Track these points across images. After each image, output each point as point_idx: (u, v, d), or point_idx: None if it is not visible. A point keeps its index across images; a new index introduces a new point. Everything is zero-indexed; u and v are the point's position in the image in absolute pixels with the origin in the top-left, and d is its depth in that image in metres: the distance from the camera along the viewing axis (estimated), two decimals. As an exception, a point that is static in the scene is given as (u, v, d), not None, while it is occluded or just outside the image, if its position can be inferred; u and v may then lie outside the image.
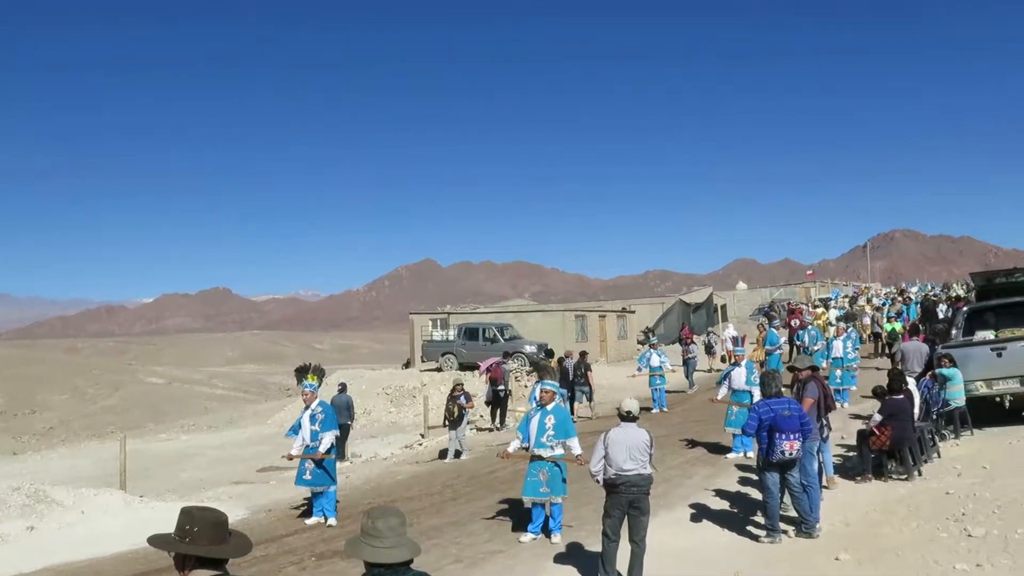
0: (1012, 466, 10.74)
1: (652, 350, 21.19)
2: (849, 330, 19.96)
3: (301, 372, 12.14)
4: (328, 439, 11.36)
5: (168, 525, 3.79)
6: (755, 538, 9.01)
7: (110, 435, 34.84)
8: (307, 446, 11.41)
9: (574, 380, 20.54)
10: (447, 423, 16.92)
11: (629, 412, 7.98)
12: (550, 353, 22.04)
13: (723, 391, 14.17)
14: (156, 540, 3.56)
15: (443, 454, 16.91)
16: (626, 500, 7.62)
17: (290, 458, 11.80)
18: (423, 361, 34.45)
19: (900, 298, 37.78)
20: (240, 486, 15.91)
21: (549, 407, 9.81)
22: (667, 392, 21.03)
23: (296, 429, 11.76)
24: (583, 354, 21.85)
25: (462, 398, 16.79)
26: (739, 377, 14.03)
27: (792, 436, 8.60)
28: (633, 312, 43.61)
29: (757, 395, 13.44)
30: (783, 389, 9.63)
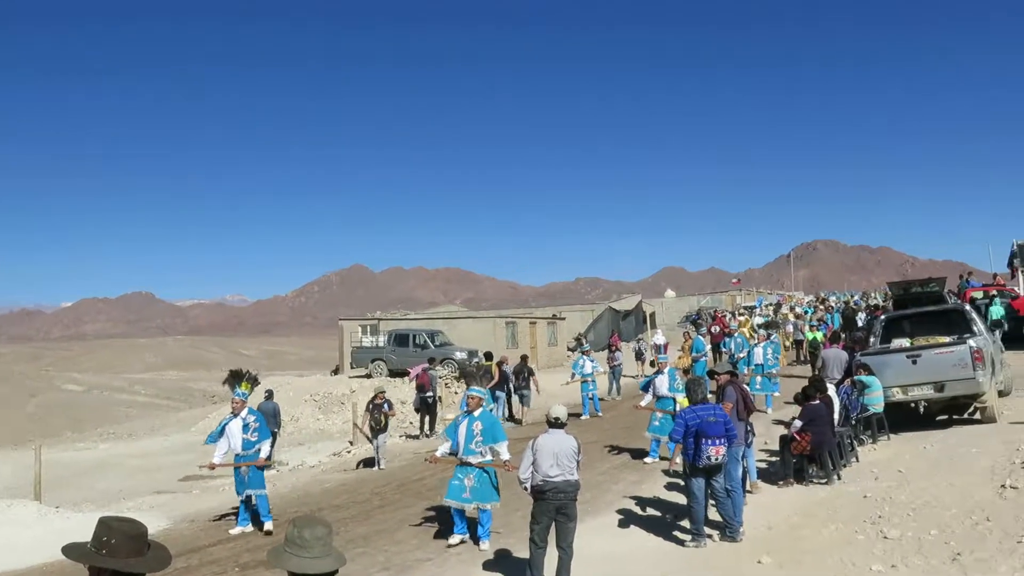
0: (926, 470, 11.11)
1: (585, 357, 21.36)
2: (771, 337, 20.41)
3: (235, 377, 11.82)
4: (267, 447, 11.32)
5: (84, 536, 3.67)
6: (681, 543, 9.14)
7: (26, 444, 33.65)
8: (237, 455, 11.20)
9: (517, 384, 20.99)
10: (369, 432, 16.55)
11: (557, 419, 8.02)
12: (489, 356, 22.16)
13: (647, 398, 14.34)
14: (71, 551, 3.40)
15: (369, 463, 16.67)
16: (553, 506, 7.64)
17: (211, 467, 11.55)
18: (352, 368, 34.16)
19: (822, 307, 38.80)
20: (162, 496, 15.55)
21: (476, 413, 9.81)
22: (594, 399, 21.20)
23: (216, 436, 11.48)
24: (524, 358, 22.50)
25: (385, 406, 16.40)
26: (662, 384, 14.21)
27: (718, 442, 8.75)
28: (564, 319, 43.85)
29: (681, 401, 13.69)
30: (709, 396, 9.80)
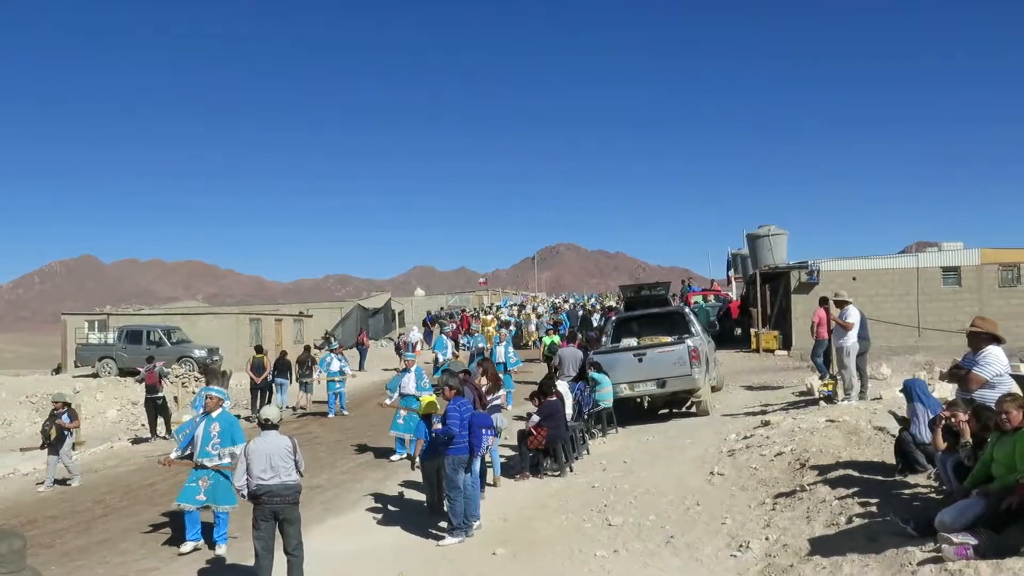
0: (646, 460, 12.01)
1: (333, 355, 21.09)
2: (511, 335, 21.21)
3: None
4: None
5: None
6: (426, 537, 9.28)
7: None
8: None
9: (301, 373, 21.68)
10: (45, 446, 14.44)
11: (268, 420, 7.86)
12: (260, 349, 21.92)
13: (394, 396, 14.39)
14: None
15: (63, 481, 14.28)
16: (270, 511, 7.44)
17: None
18: (77, 366, 31.64)
19: (554, 313, 40.84)
20: None
21: (215, 414, 9.44)
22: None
23: None
24: (307, 348, 23.14)
25: (64, 416, 14.32)
26: (409, 382, 14.33)
27: (491, 431, 9.00)
28: (311, 316, 43.06)
29: (425, 399, 13.88)
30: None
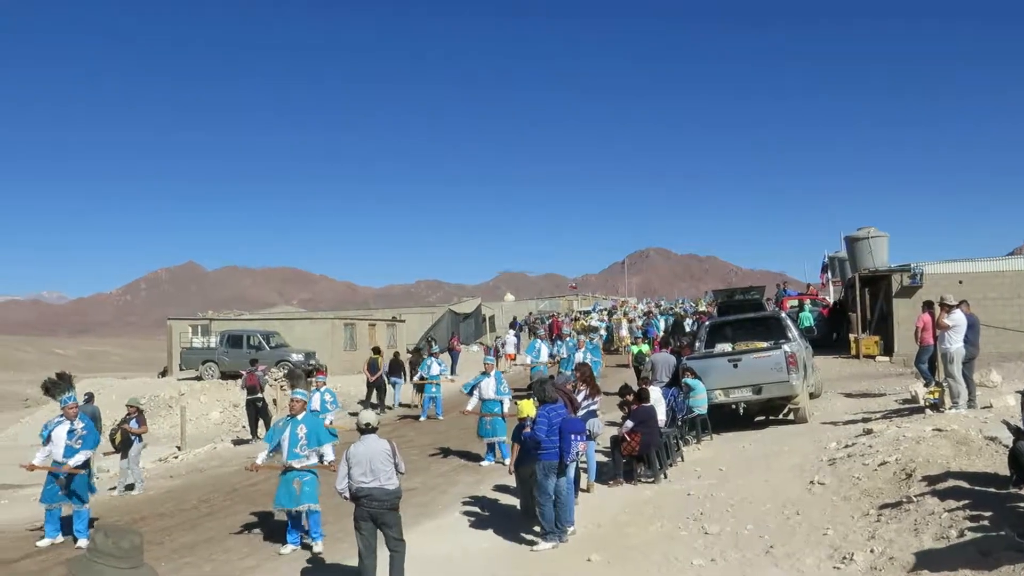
0: (743, 468, 11.78)
1: (432, 359, 21.31)
2: (592, 341, 21.05)
3: (63, 382, 11.04)
4: (82, 457, 10.60)
5: None
6: (520, 542, 9.28)
7: None
8: (55, 462, 10.53)
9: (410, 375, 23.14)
10: (116, 450, 14.67)
11: (367, 424, 7.97)
12: (377, 350, 23.93)
13: (473, 401, 14.43)
14: None
15: (131, 487, 14.46)
16: (368, 513, 7.57)
17: (30, 468, 10.79)
18: (181, 369, 32.83)
19: (646, 318, 40.38)
20: (-35, 507, 14.38)
21: (300, 416, 9.68)
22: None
23: (47, 436, 10.80)
24: (419, 350, 25.08)
25: (133, 422, 14.46)
26: (488, 387, 14.36)
27: (581, 438, 8.98)
28: (403, 321, 43.70)
29: (507, 405, 13.90)
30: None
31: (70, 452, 10.54)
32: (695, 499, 10.29)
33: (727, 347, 16.01)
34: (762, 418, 16.06)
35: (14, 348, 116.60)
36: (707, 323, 18.64)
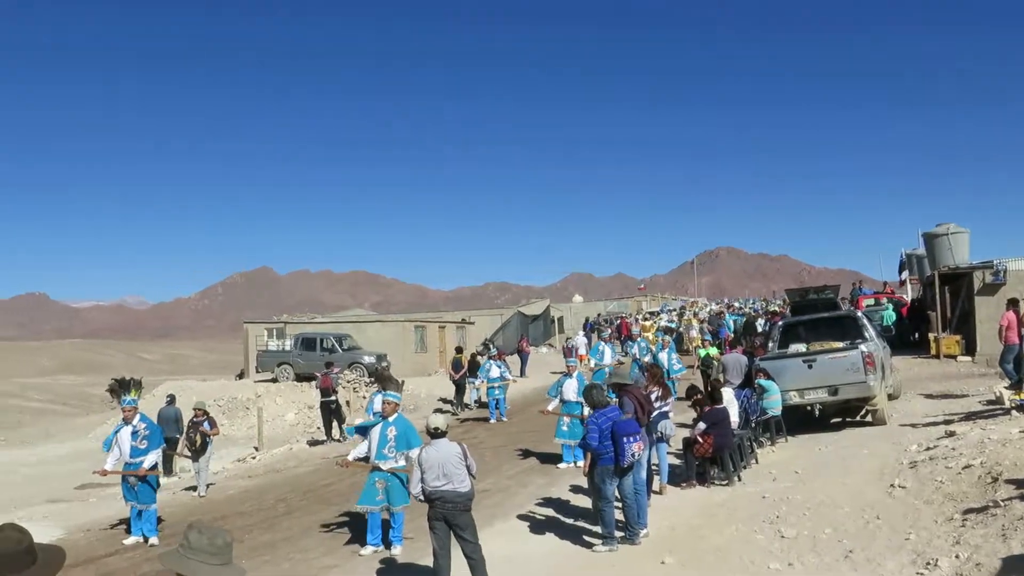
0: (819, 470, 11.55)
1: (492, 361, 21.42)
2: (671, 342, 20.81)
3: (122, 387, 11.54)
4: (153, 457, 11.00)
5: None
6: (588, 546, 9.25)
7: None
8: (126, 463, 10.94)
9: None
10: (189, 453, 14.82)
11: (436, 428, 8.01)
12: (459, 349, 25.57)
13: (554, 402, 14.46)
14: None
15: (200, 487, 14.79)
16: (440, 514, 7.63)
17: (104, 474, 11.25)
18: (258, 372, 33.58)
19: (718, 318, 39.83)
20: (56, 504, 14.99)
21: (391, 418, 9.78)
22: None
23: (110, 443, 11.27)
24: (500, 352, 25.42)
25: (205, 424, 14.76)
26: (570, 388, 14.36)
27: (636, 438, 8.91)
28: (473, 323, 43.99)
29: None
30: (611, 399, 9.96)
31: (136, 452, 10.93)
32: (770, 502, 10.13)
33: (801, 347, 15.73)
34: (838, 420, 15.74)
35: (99, 352, 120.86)
36: (780, 323, 18.33)
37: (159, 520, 11.26)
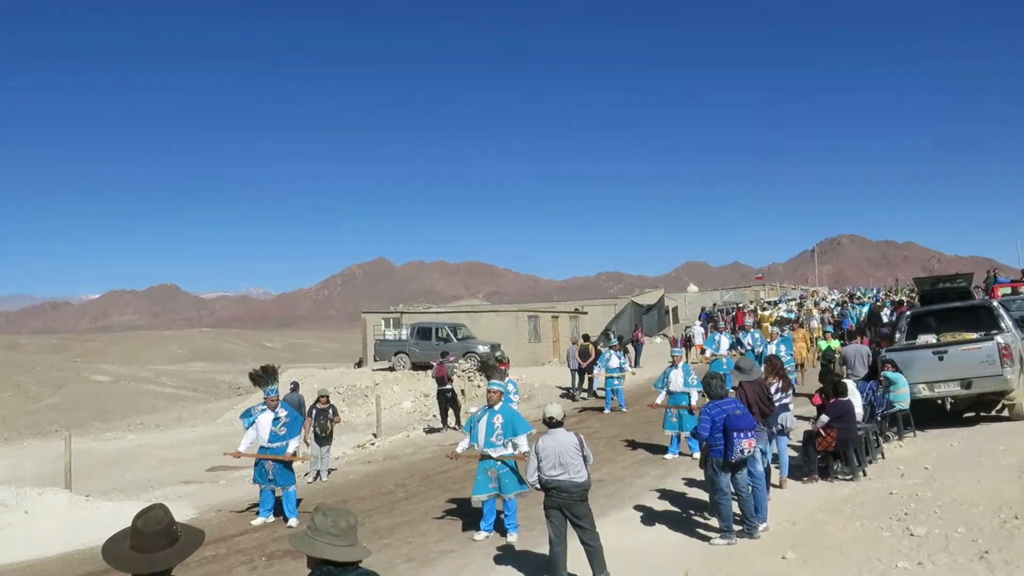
0: (952, 467, 11.04)
1: (612, 351, 21.31)
2: (784, 334, 20.12)
3: (268, 374, 11.92)
4: (295, 443, 11.52)
5: (114, 525, 3.76)
6: (705, 539, 9.10)
7: (54, 434, 34.13)
8: (261, 447, 11.37)
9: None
10: (315, 440, 14.94)
11: (552, 418, 8.00)
12: (586, 337, 25.52)
13: (661, 395, 14.28)
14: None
15: (318, 475, 15.01)
16: (557, 503, 7.63)
17: (237, 455, 11.71)
18: (376, 360, 34.36)
19: (841, 308, 38.41)
20: (189, 486, 15.72)
21: (497, 407, 9.86)
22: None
23: (248, 415, 11.74)
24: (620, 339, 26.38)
25: (329, 411, 15.17)
26: (676, 379, 14.15)
27: (749, 434, 8.71)
28: (586, 313, 43.86)
29: (695, 397, 13.66)
30: (730, 391, 9.77)
31: (275, 437, 11.35)
32: (898, 499, 9.75)
33: (931, 338, 15.06)
34: (971, 414, 15.01)
35: (225, 340, 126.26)
36: (908, 313, 17.58)
37: (297, 501, 11.63)
